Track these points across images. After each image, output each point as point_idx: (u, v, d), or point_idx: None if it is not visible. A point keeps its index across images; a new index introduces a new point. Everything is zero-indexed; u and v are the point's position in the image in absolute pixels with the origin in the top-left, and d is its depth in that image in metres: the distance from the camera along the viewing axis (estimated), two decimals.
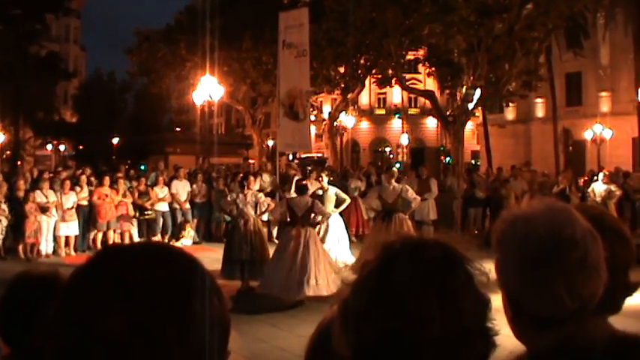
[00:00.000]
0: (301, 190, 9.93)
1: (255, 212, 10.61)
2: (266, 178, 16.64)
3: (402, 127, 53.43)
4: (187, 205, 16.27)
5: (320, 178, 12.56)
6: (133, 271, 0.87)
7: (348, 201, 12.56)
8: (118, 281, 0.85)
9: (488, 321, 1.03)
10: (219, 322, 0.90)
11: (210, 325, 0.87)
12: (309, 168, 17.39)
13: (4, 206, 13.69)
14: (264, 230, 11.88)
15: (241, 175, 14.29)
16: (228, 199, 10.77)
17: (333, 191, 12.30)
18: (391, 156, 56.63)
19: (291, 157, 43.28)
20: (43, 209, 13.85)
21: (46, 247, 14.11)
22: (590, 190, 16.04)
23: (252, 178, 11.26)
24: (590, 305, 1.22)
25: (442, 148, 49.89)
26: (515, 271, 1.21)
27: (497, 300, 1.09)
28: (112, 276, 0.86)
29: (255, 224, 10.57)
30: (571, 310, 1.19)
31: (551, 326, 1.19)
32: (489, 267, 1.09)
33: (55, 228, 14.23)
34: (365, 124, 58.79)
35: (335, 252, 11.68)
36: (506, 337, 1.14)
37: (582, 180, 19.30)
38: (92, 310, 0.83)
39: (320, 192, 12.15)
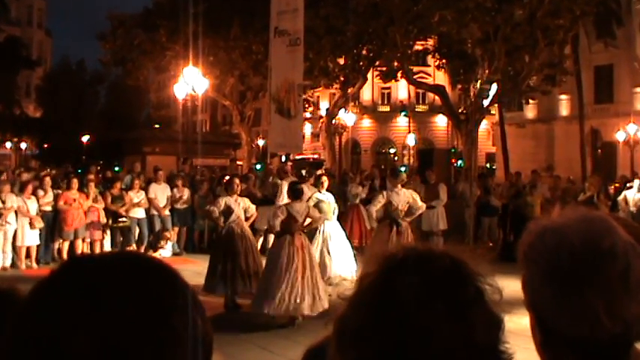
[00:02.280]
0: (297, 194, 9.93)
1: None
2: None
3: (409, 126, 53.51)
4: (167, 212, 16.27)
5: (321, 183, 12.53)
6: (104, 284, 0.86)
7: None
8: (85, 296, 0.84)
9: (500, 343, 1.03)
10: (202, 344, 0.89)
11: (192, 346, 0.86)
12: (304, 171, 17.36)
13: None
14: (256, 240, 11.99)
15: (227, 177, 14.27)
16: (220, 202, 10.72)
17: (330, 199, 12.35)
18: (396, 158, 56.73)
19: (284, 158, 43.33)
20: None
21: (2, 259, 14.07)
22: (621, 198, 16.04)
23: (237, 180, 11.30)
24: (634, 330, 1.19)
25: (453, 150, 50.02)
26: (546, 289, 1.20)
27: (510, 321, 1.09)
28: (78, 290, 0.85)
29: (249, 233, 10.73)
30: (611, 332, 1.16)
31: (588, 352, 1.18)
32: (504, 284, 1.10)
33: (14, 237, 14.19)
34: (367, 123, 58.91)
35: (332, 264, 11.70)
36: None
37: (613, 187, 19.29)
38: (54, 330, 0.81)
39: (323, 197, 12.17)
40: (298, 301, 9.12)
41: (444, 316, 0.99)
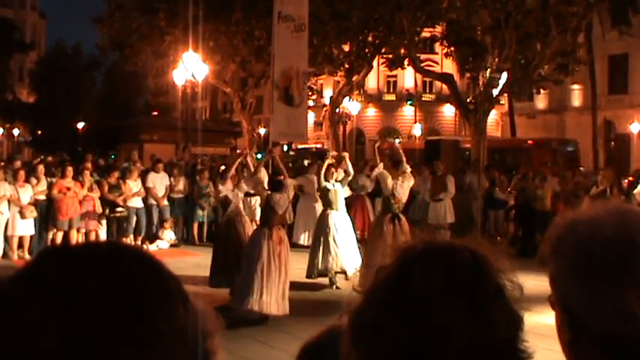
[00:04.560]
0: (277, 186, 9.96)
1: None
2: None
3: (415, 116, 53.51)
4: (165, 202, 16.30)
5: (331, 173, 12.51)
6: (78, 277, 0.82)
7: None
8: (57, 290, 0.81)
9: (520, 341, 1.03)
10: (186, 337, 0.85)
11: (174, 342, 0.83)
12: (306, 162, 17.39)
13: None
14: None
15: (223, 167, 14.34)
16: (220, 187, 10.88)
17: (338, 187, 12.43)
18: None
19: (285, 147, 43.33)
20: None
21: None
22: (636, 192, 16.02)
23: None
24: None
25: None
26: (576, 283, 1.18)
27: (528, 320, 1.09)
28: (49, 283, 0.81)
29: (248, 223, 10.87)
30: None
31: (620, 350, 1.16)
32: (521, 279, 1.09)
33: (6, 227, 14.20)
34: (372, 112, 58.89)
35: (341, 257, 11.74)
36: None
37: (626, 181, 19.28)
38: (22, 327, 0.79)
39: (330, 187, 12.21)
40: (267, 298, 9.16)
41: (464, 312, 0.98)
